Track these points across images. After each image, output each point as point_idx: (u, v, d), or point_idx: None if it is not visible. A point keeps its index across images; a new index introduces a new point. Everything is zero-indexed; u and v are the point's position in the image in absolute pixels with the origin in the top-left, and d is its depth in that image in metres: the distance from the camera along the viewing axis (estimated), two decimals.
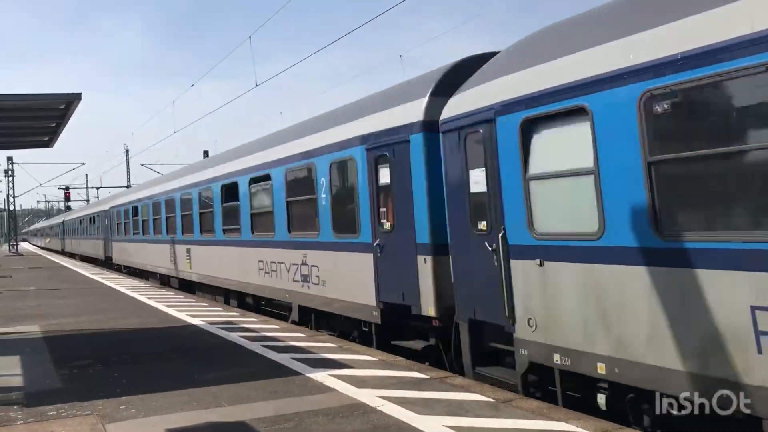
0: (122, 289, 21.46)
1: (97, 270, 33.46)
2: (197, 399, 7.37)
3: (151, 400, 7.40)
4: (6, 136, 12.33)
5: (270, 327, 12.50)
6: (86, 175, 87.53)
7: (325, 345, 10.45)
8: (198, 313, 14.77)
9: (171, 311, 15.22)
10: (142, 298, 18.38)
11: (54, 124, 11.01)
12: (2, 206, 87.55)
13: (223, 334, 11.73)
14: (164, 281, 24.53)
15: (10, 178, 57.78)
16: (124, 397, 7.53)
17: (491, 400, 6.98)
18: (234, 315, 14.40)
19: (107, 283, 24.53)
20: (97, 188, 78.76)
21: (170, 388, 7.90)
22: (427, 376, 8.12)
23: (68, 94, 8.89)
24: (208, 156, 46.45)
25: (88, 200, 78.42)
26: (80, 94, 8.85)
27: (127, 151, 70.48)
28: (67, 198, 72.95)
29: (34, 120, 10.73)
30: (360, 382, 7.84)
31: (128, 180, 69.51)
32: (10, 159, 57.19)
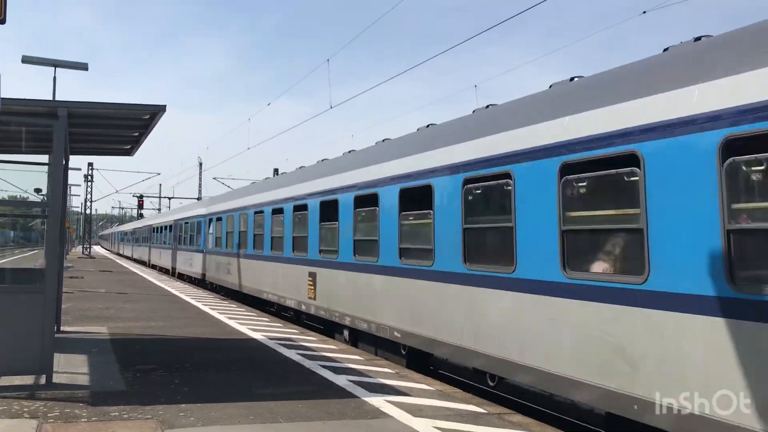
0: (187, 298, 21.94)
1: (164, 278, 34.34)
2: (255, 413, 7.42)
3: (210, 409, 7.49)
4: (91, 142, 12.85)
5: (328, 347, 12.53)
6: (160, 184, 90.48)
7: (382, 370, 10.39)
8: (259, 327, 14.94)
9: (232, 323, 15.45)
10: (206, 308, 18.73)
11: (137, 134, 11.42)
12: (79, 209, 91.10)
13: (282, 350, 11.82)
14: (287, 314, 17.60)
15: (89, 183, 60.09)
16: (184, 405, 7.65)
17: None
18: (293, 332, 14.50)
19: (172, 290, 25.13)
20: (170, 198, 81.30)
21: (229, 399, 7.99)
22: (485, 411, 7.96)
23: (153, 105, 9.22)
24: (278, 173, 47.14)
25: (159, 209, 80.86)
26: (165, 105, 9.17)
27: (200, 164, 72.56)
28: (141, 205, 75.53)
29: (120, 128, 11.16)
30: (416, 411, 7.75)
31: (200, 192, 71.43)
32: (90, 165, 59.60)
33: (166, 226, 39.90)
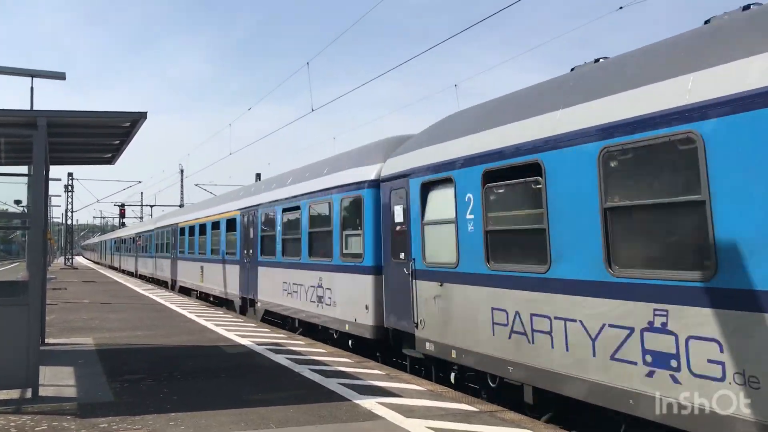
0: (173, 306, 21.77)
1: (147, 286, 34.06)
2: (246, 419, 7.36)
3: (200, 417, 7.42)
4: (71, 152, 12.70)
5: (316, 351, 12.48)
6: (141, 193, 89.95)
7: (373, 372, 10.37)
8: (246, 333, 14.85)
9: (220, 330, 15.35)
10: (192, 316, 18.59)
11: (118, 142, 11.29)
12: (60, 220, 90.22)
13: (271, 355, 11.76)
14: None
15: (70, 193, 59.51)
16: (173, 414, 7.58)
17: None
18: (281, 337, 14.43)
19: (158, 299, 24.93)
20: (151, 206, 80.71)
21: (219, 406, 7.92)
22: (477, 409, 7.96)
23: (134, 112, 9.11)
24: (260, 178, 46.94)
25: (141, 217, 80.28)
26: (146, 113, 9.07)
27: (182, 171, 72.08)
28: (122, 215, 74.97)
29: (100, 137, 11.02)
30: (408, 412, 7.73)
31: (182, 199, 70.95)
32: (70, 175, 59.05)
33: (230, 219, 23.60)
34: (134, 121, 9.44)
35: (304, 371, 10.23)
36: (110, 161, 13.14)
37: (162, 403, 8.10)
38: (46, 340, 13.07)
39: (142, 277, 43.64)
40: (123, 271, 55.08)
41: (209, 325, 16.44)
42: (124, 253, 56.80)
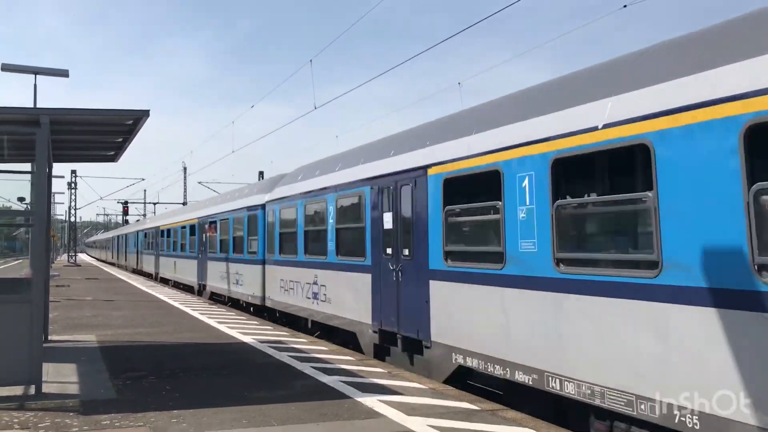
0: (175, 304, 21.82)
1: (150, 283, 34.14)
2: (247, 417, 7.38)
3: (202, 415, 7.44)
4: (74, 150, 12.72)
5: (319, 348, 12.50)
6: (144, 190, 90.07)
7: (374, 370, 10.38)
8: (249, 330, 14.88)
9: (222, 327, 15.38)
10: (195, 313, 18.64)
11: (120, 140, 11.31)
12: (63, 217, 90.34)
13: (273, 353, 11.78)
14: None
15: (73, 191, 59.61)
16: (175, 411, 7.60)
17: None
18: (283, 335, 14.46)
19: (160, 296, 24.98)
20: (155, 204, 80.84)
21: (221, 404, 7.95)
22: (478, 408, 7.97)
23: (137, 110, 9.14)
24: (263, 176, 46.99)
25: (145, 215, 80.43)
26: (148, 111, 9.08)
27: (185, 168, 72.17)
28: (126, 212, 75.09)
29: (103, 135, 11.04)
30: (410, 410, 7.75)
31: (185, 197, 71.06)
32: (74, 172, 59.13)
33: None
34: (137, 118, 9.46)
35: (306, 369, 10.25)
36: (113, 159, 13.16)
37: (164, 401, 8.13)
38: (49, 337, 13.11)
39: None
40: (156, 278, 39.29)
41: (212, 322, 16.47)
42: (164, 252, 37.27)
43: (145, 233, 44.92)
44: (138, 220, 62.44)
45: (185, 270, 30.56)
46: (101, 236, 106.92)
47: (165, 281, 36.07)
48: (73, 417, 7.33)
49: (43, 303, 9.49)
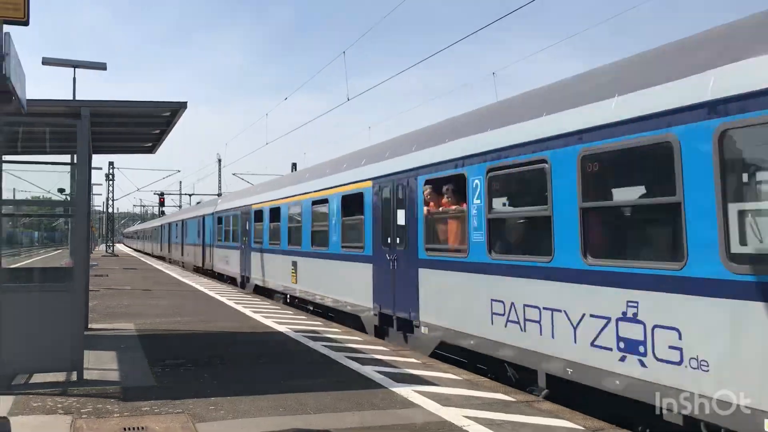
0: (211, 293, 22.11)
1: (186, 273, 34.62)
2: (283, 405, 7.46)
3: (239, 402, 7.54)
4: (113, 141, 12.96)
5: (353, 338, 12.56)
6: (180, 181, 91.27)
7: (409, 360, 10.40)
8: (283, 320, 15.02)
9: (258, 317, 15.55)
10: (230, 303, 18.86)
11: (158, 131, 11.49)
12: (101, 208, 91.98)
13: (308, 342, 11.88)
14: None
15: (111, 182, 60.64)
16: (213, 398, 7.71)
17: (581, 428, 6.75)
18: (317, 324, 14.56)
19: (197, 286, 25.33)
20: (190, 195, 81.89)
21: (257, 392, 8.04)
22: (514, 399, 7.94)
23: (174, 102, 9.27)
24: (296, 168, 47.12)
25: (180, 206, 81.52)
26: (186, 102, 9.21)
27: (219, 160, 72.94)
28: (162, 203, 76.19)
29: (141, 126, 11.23)
30: (445, 400, 7.75)
31: (219, 188, 71.84)
32: (111, 164, 60.12)
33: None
34: (174, 110, 9.60)
35: (341, 358, 10.31)
36: (151, 150, 13.38)
37: (202, 388, 8.26)
38: (90, 326, 13.39)
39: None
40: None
41: (248, 312, 16.66)
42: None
43: (221, 217, 29.64)
44: (199, 202, 58.08)
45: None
46: (144, 225, 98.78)
47: (264, 292, 22.43)
48: (114, 403, 7.48)
49: (83, 292, 9.70)
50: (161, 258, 56.16)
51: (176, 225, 48.16)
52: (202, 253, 35.35)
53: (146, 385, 8.44)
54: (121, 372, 9.29)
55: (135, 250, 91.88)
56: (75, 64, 23.27)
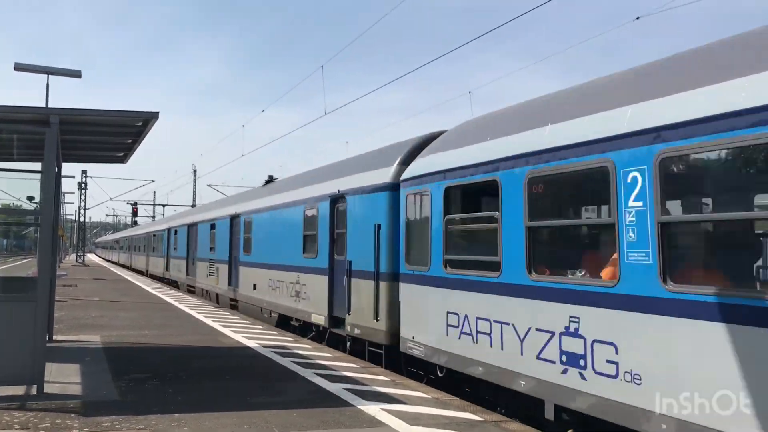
0: (181, 306, 21.82)
1: (157, 285, 34.19)
2: (249, 422, 7.33)
3: (203, 419, 7.40)
4: (84, 150, 12.74)
5: (323, 355, 12.44)
6: (154, 192, 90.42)
7: (378, 378, 10.32)
8: (253, 335, 14.85)
9: (227, 332, 15.35)
10: (200, 316, 18.62)
11: (130, 141, 11.33)
12: (73, 217, 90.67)
13: (277, 358, 11.74)
14: None
15: (83, 191, 59.87)
16: (177, 414, 7.56)
17: None
18: (288, 340, 14.42)
19: (166, 298, 25.00)
20: (164, 206, 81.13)
21: (223, 408, 7.90)
22: (482, 419, 7.89)
23: (146, 112, 9.14)
24: (272, 180, 46.77)
25: (154, 216, 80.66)
26: (157, 112, 9.09)
27: (194, 171, 72.45)
28: (135, 213, 75.32)
29: (113, 136, 11.06)
30: (413, 419, 7.68)
31: (194, 199, 71.30)
32: (84, 173, 59.41)
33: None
34: (146, 120, 9.47)
35: (310, 375, 10.19)
36: (122, 160, 13.19)
37: (166, 404, 8.09)
38: (54, 337, 13.13)
39: None
40: None
41: (217, 326, 16.45)
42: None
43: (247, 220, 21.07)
44: (152, 219, 59.45)
45: None
46: (123, 233, 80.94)
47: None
48: (74, 418, 7.30)
49: (47, 302, 9.49)
50: (158, 278, 40.41)
51: (197, 229, 29.22)
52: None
53: (109, 400, 8.25)
54: (83, 386, 9.08)
55: (113, 263, 78.54)
56: (48, 71, 22.96)
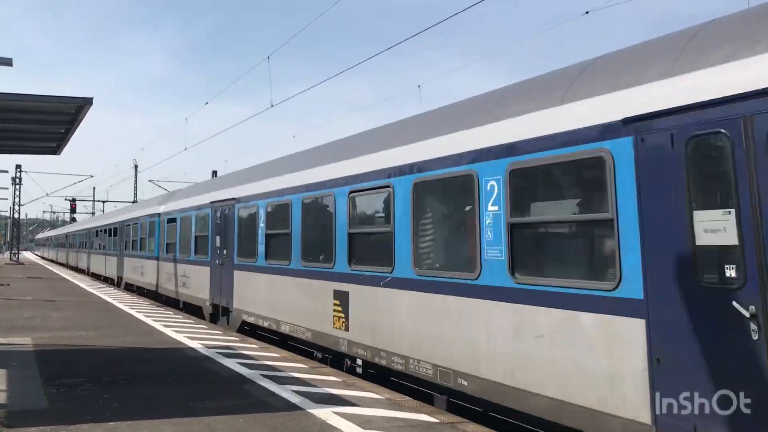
0: (120, 305, 20.94)
1: (96, 284, 32.96)
2: (190, 430, 6.85)
3: (140, 427, 6.88)
4: (14, 140, 11.97)
5: (270, 355, 11.96)
6: (94, 187, 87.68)
7: (328, 379, 9.91)
8: (196, 335, 14.24)
9: (169, 332, 14.70)
10: (140, 316, 17.86)
11: (63, 130, 10.64)
12: (8, 214, 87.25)
13: (221, 359, 11.21)
14: None
15: (17, 186, 57.56)
16: (112, 423, 7.01)
17: None
18: (233, 340, 13.87)
19: (105, 297, 24.02)
20: (104, 202, 78.71)
21: (162, 415, 7.38)
22: (437, 420, 7.57)
23: (79, 98, 8.54)
24: (216, 175, 45.88)
25: (93, 212, 78.20)
26: (91, 98, 8.50)
27: (136, 166, 70.44)
28: (73, 209, 72.84)
29: (44, 124, 10.35)
30: (365, 422, 7.31)
31: (135, 195, 69.35)
32: (18, 167, 57.11)
33: None
34: (79, 107, 8.85)
35: (256, 377, 9.72)
36: (56, 151, 12.45)
37: (101, 411, 7.52)
38: None
39: None
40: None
41: (158, 326, 15.75)
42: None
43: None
44: (92, 215, 55.33)
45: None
46: (68, 228, 68.25)
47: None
48: None
49: None
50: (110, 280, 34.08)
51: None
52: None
53: (37, 408, 7.62)
54: (9, 393, 8.40)
55: (53, 262, 71.66)
56: None
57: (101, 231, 37.93)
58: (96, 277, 39.20)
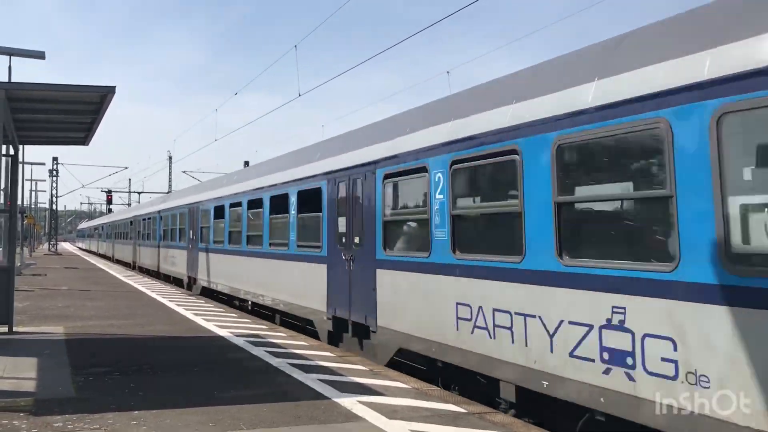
0: (153, 294, 21.15)
1: (130, 273, 33.40)
2: (214, 419, 6.79)
3: (165, 416, 6.84)
4: (42, 130, 12.06)
5: (298, 344, 11.92)
6: (129, 179, 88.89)
7: (355, 367, 9.81)
8: (226, 324, 14.27)
9: (198, 320, 14.76)
10: (171, 305, 17.99)
11: (89, 120, 10.66)
12: (46, 206, 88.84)
13: (249, 348, 11.18)
14: None
15: (54, 178, 58.59)
16: (136, 412, 6.99)
17: None
18: (262, 328, 13.86)
19: (138, 286, 24.30)
20: (139, 193, 79.81)
21: (187, 404, 7.35)
22: (465, 410, 7.41)
23: (102, 86, 8.53)
24: (248, 165, 45.95)
25: (129, 203, 79.37)
26: (114, 87, 8.47)
27: (170, 158, 71.24)
28: (109, 201, 74.00)
29: (69, 114, 10.38)
30: (391, 412, 7.18)
31: (170, 186, 70.15)
32: (55, 159, 58.10)
33: None
34: (103, 96, 8.83)
35: (283, 366, 9.66)
36: (84, 141, 12.51)
37: (126, 400, 7.51)
38: (15, 329, 12.46)
39: None
40: None
41: (188, 314, 15.84)
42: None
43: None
44: (127, 206, 52.18)
45: None
46: (114, 217, 56.19)
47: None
48: (23, 418, 6.70)
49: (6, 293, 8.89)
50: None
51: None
52: None
53: (64, 397, 7.65)
54: (38, 381, 8.46)
55: (101, 256, 59.23)
56: (10, 52, 21.98)
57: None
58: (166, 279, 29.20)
